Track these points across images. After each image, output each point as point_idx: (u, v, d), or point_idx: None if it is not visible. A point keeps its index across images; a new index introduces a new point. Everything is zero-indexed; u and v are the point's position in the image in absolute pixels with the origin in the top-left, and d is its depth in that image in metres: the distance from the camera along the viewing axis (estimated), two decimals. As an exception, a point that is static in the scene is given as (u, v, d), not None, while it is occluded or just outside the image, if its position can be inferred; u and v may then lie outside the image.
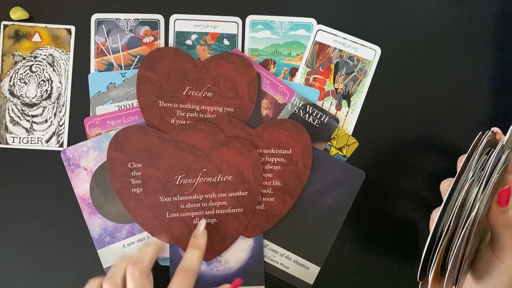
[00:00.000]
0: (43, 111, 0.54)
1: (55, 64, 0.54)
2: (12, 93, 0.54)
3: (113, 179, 0.52)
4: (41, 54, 0.54)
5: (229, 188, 0.52)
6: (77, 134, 0.54)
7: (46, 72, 0.54)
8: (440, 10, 0.56)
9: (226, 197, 0.52)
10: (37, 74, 0.54)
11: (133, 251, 0.53)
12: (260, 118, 0.54)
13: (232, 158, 0.52)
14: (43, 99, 0.54)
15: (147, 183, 0.52)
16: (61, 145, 0.54)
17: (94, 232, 0.53)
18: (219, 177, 0.52)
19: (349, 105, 0.55)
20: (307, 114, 0.54)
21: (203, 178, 0.52)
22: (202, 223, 0.51)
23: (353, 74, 0.55)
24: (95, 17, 0.54)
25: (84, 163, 0.53)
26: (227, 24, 0.55)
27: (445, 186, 0.45)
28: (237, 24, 0.55)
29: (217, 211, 0.52)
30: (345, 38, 0.55)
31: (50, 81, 0.54)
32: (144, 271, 0.45)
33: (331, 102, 0.55)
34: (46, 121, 0.54)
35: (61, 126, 0.54)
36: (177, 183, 0.52)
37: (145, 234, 0.53)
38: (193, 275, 0.48)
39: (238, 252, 0.53)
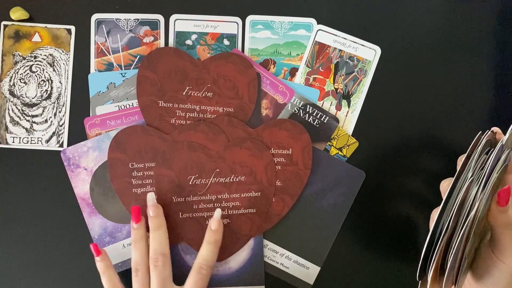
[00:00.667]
0: (43, 111, 0.54)
1: (55, 64, 0.54)
2: (12, 93, 0.54)
3: (114, 179, 0.52)
4: (41, 54, 0.54)
5: (242, 189, 0.52)
6: (77, 134, 0.54)
7: (46, 72, 0.54)
8: (440, 10, 0.56)
9: (239, 197, 0.52)
10: (37, 74, 0.54)
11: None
12: (260, 118, 0.54)
13: (245, 158, 0.52)
14: (43, 99, 0.54)
15: (160, 183, 0.52)
16: (61, 145, 0.54)
17: (94, 232, 0.53)
18: (232, 178, 0.52)
19: (349, 105, 0.55)
20: (307, 114, 0.54)
21: (216, 179, 0.52)
22: (217, 213, 0.51)
23: (353, 74, 0.55)
24: (95, 17, 0.54)
25: (84, 163, 0.53)
26: (227, 24, 0.55)
27: (445, 185, 0.45)
28: (237, 24, 0.55)
29: (230, 212, 0.52)
30: (345, 38, 0.55)
31: (50, 81, 0.54)
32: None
33: (331, 102, 0.55)
34: (46, 121, 0.54)
35: (61, 126, 0.54)
36: (190, 183, 0.52)
37: (145, 234, 0.53)
38: (208, 272, 0.49)
39: (238, 252, 0.53)
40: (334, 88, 0.55)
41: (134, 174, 0.52)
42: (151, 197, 0.50)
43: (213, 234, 0.50)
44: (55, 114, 0.54)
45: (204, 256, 0.49)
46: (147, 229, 0.50)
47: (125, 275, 0.53)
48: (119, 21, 0.55)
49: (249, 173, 0.52)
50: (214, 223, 0.50)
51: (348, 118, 0.55)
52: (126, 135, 0.52)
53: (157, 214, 0.50)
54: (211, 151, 0.52)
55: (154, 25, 0.55)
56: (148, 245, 0.49)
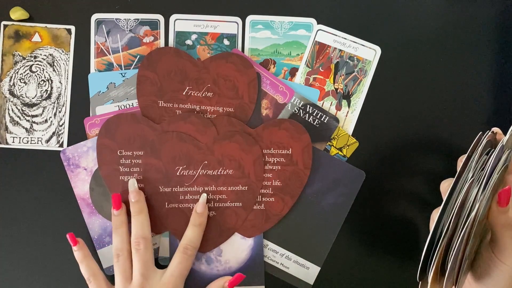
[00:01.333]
0: (43, 111, 0.54)
1: (55, 64, 0.54)
2: (12, 93, 0.54)
3: (102, 166, 0.52)
4: (41, 54, 0.54)
5: (229, 182, 0.52)
6: (77, 134, 0.54)
7: (46, 72, 0.54)
8: (440, 10, 0.56)
9: (226, 190, 0.52)
10: (37, 74, 0.54)
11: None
12: (260, 118, 0.54)
13: (234, 152, 0.52)
14: (43, 99, 0.54)
15: (148, 172, 0.52)
16: (61, 145, 0.54)
17: (94, 232, 0.53)
18: (219, 170, 0.52)
19: (349, 105, 0.55)
20: (307, 114, 0.54)
21: (204, 171, 0.52)
22: (203, 198, 0.51)
23: (353, 74, 0.55)
24: (95, 17, 0.54)
25: (84, 163, 0.53)
26: (227, 24, 0.55)
27: (445, 186, 0.45)
28: (237, 24, 0.55)
29: (216, 204, 0.52)
30: (345, 38, 0.55)
31: (50, 81, 0.54)
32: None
33: (331, 102, 0.55)
34: (46, 121, 0.54)
35: (61, 126, 0.54)
36: (177, 174, 0.52)
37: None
38: (193, 253, 0.50)
39: (238, 252, 0.53)
40: (334, 88, 0.55)
41: (122, 161, 0.52)
42: (132, 183, 0.51)
43: (198, 217, 0.51)
44: (55, 114, 0.54)
45: (189, 237, 0.50)
46: (129, 215, 0.51)
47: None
48: (119, 21, 0.55)
49: (237, 167, 0.52)
50: (200, 207, 0.51)
51: (348, 118, 0.55)
52: (116, 122, 0.52)
53: (138, 200, 0.51)
54: (200, 143, 0.52)
55: (154, 25, 0.55)
56: (129, 231, 0.50)
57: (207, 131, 0.52)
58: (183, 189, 0.52)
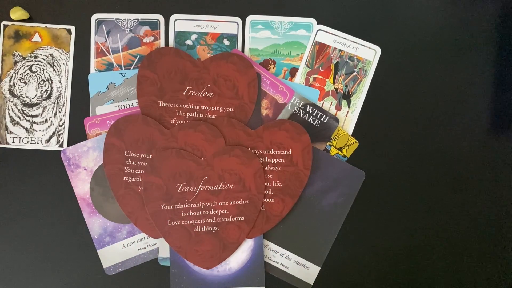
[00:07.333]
0: (43, 111, 0.54)
1: (55, 64, 0.54)
2: (12, 93, 0.54)
3: (107, 165, 0.52)
4: (41, 54, 0.54)
5: (230, 196, 0.52)
6: (77, 134, 0.54)
7: (46, 72, 0.54)
8: (440, 10, 0.56)
9: (228, 205, 0.52)
10: (37, 74, 0.54)
11: (133, 251, 0.53)
12: (260, 118, 0.54)
13: (234, 166, 0.52)
14: (43, 99, 0.54)
15: (148, 190, 0.52)
16: (61, 145, 0.54)
17: (94, 232, 0.53)
18: (220, 185, 0.52)
19: (349, 105, 0.55)
20: (307, 114, 0.54)
21: (205, 186, 0.52)
22: None
23: (353, 74, 0.55)
24: (95, 17, 0.54)
25: (84, 163, 0.53)
26: (227, 24, 0.55)
27: None
28: (237, 24, 0.55)
29: (218, 219, 0.52)
30: (345, 38, 0.55)
31: (50, 81, 0.54)
32: None
33: (331, 102, 0.55)
34: (46, 121, 0.54)
35: (61, 126, 0.54)
36: (178, 191, 0.52)
37: (145, 234, 0.53)
38: None
39: (239, 253, 0.53)
40: (334, 88, 0.55)
41: (127, 162, 0.52)
42: None
43: None
44: (55, 114, 0.54)
45: None
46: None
47: (125, 275, 0.53)
48: (119, 21, 0.55)
49: (237, 181, 0.52)
50: None
51: (348, 118, 0.55)
52: (126, 122, 0.52)
53: None
54: (200, 158, 0.52)
55: (154, 25, 0.55)
56: None
57: (216, 141, 0.52)
58: (185, 205, 0.52)
